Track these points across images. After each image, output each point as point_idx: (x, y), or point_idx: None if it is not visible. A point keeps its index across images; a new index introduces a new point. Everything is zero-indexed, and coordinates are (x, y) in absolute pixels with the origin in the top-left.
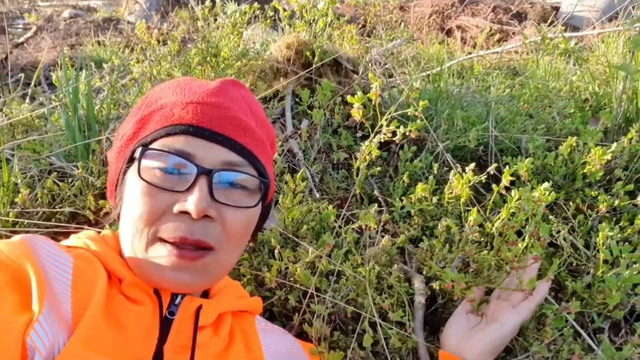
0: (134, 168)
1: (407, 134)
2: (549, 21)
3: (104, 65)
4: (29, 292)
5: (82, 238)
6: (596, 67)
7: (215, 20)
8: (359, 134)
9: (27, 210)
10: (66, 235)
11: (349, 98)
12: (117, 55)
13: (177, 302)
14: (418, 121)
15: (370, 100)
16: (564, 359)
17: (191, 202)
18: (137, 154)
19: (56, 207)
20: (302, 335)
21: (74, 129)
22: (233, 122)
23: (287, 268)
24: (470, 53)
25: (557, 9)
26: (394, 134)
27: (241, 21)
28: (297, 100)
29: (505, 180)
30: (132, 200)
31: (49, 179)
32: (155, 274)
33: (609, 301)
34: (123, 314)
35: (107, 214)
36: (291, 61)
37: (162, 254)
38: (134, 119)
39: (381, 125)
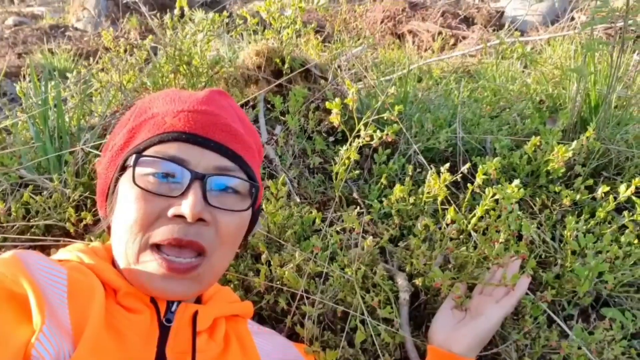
0: (127, 176)
1: (384, 137)
2: (501, 25)
3: (68, 75)
4: (25, 306)
5: (73, 251)
6: (547, 69)
7: (184, 28)
8: (331, 138)
9: (1, 225)
10: (42, 249)
11: (327, 104)
12: (80, 65)
13: (173, 309)
14: (395, 125)
15: (345, 105)
16: (541, 345)
17: (186, 206)
18: (130, 162)
19: (31, 220)
20: (291, 337)
21: (45, 141)
22: (224, 129)
23: (274, 272)
24: (422, 57)
25: (501, 13)
26: (371, 137)
27: (212, 29)
28: (269, 106)
29: (479, 178)
30: (126, 207)
31: (25, 193)
32: (147, 283)
33: (579, 289)
34: (122, 324)
35: (87, 225)
36: (262, 68)
37: (152, 266)
38: (124, 130)
39: (359, 130)
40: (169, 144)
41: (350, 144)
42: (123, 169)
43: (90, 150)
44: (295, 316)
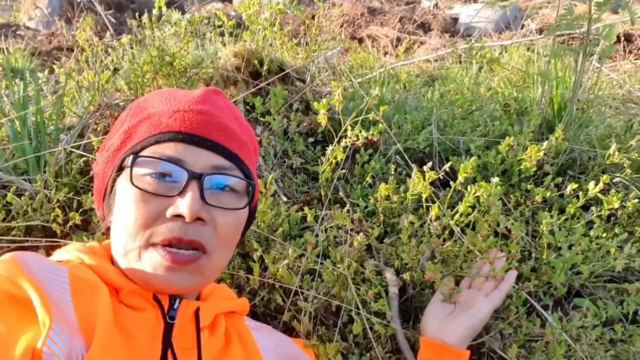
0: (124, 176)
1: (369, 137)
2: (455, 31)
3: (40, 75)
4: (27, 308)
5: (72, 252)
6: (511, 74)
7: (161, 29)
8: (311, 139)
9: None
10: (24, 250)
11: (315, 105)
12: (38, 64)
13: (175, 306)
14: (380, 125)
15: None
16: (523, 333)
17: (184, 205)
18: (127, 163)
19: (12, 222)
20: (285, 333)
21: (24, 141)
22: (219, 128)
23: (266, 269)
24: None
25: (456, 19)
26: (357, 137)
27: (192, 30)
28: (248, 107)
29: (461, 177)
30: (125, 207)
31: (8, 194)
32: (151, 277)
33: (556, 279)
34: (128, 322)
35: (75, 226)
36: (240, 70)
37: (155, 259)
38: (120, 130)
39: (345, 130)
40: (165, 144)
41: (337, 144)
42: (120, 169)
43: (72, 150)
44: (290, 312)
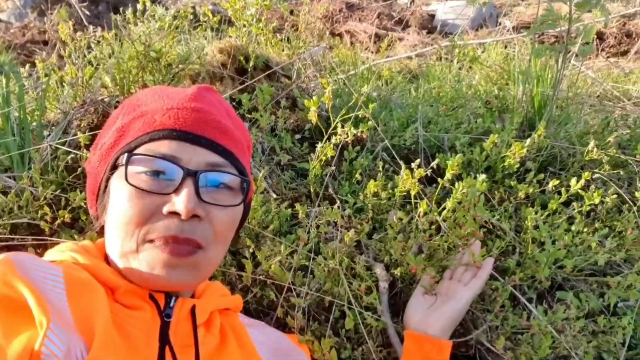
0: (119, 174)
1: (358, 134)
2: (433, 28)
3: (22, 69)
4: (21, 309)
5: (66, 252)
6: (491, 71)
7: (144, 23)
8: (298, 136)
9: None
10: (9, 249)
11: (306, 102)
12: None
13: (171, 304)
14: (369, 122)
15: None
16: (510, 325)
17: (180, 203)
18: (122, 161)
19: None
20: (278, 329)
21: (7, 137)
22: (213, 125)
23: (257, 266)
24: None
25: (433, 16)
26: (346, 134)
27: (177, 25)
28: (234, 104)
29: (449, 174)
30: (120, 206)
31: None
32: (149, 274)
33: (541, 273)
34: (125, 321)
35: (64, 224)
36: (226, 66)
37: (153, 254)
38: (112, 128)
39: (335, 127)
40: (159, 142)
41: (327, 141)
42: (114, 167)
43: (58, 146)
44: (283, 308)
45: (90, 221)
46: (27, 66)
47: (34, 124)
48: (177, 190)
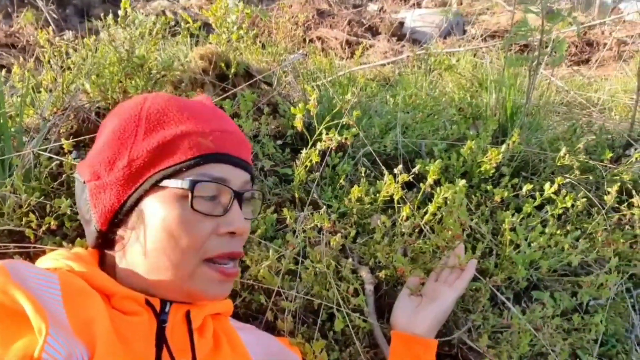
0: (166, 197)
1: (342, 140)
2: (402, 35)
3: None
4: (17, 317)
5: (60, 259)
6: (463, 79)
7: (124, 29)
8: (279, 142)
9: None
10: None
11: (292, 109)
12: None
13: (166, 310)
14: (353, 129)
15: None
16: (491, 324)
17: (237, 223)
18: (181, 185)
19: None
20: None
21: None
22: (243, 146)
23: (244, 271)
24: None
25: (402, 23)
26: (330, 140)
27: (160, 31)
28: None
29: (430, 179)
30: (174, 231)
31: None
32: (204, 291)
33: (518, 274)
34: (123, 327)
35: (49, 230)
36: (208, 72)
37: (211, 274)
38: (135, 145)
39: (320, 133)
40: (210, 166)
41: (312, 147)
42: (152, 187)
43: (41, 152)
44: (272, 312)
45: (74, 228)
46: (4, 71)
47: (12, 130)
48: (228, 211)
